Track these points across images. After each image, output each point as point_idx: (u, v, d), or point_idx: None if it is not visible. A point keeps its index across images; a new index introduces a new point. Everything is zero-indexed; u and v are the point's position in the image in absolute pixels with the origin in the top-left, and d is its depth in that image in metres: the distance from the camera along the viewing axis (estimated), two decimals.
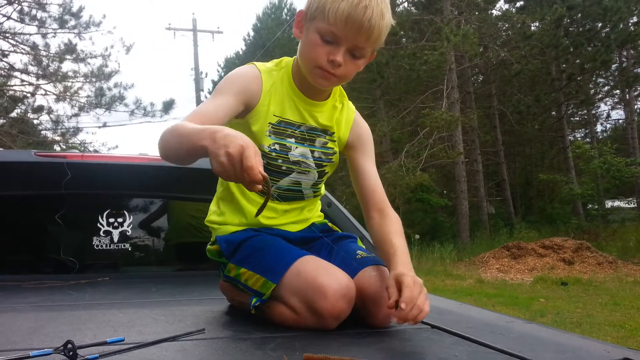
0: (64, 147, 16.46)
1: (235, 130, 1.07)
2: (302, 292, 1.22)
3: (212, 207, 1.57)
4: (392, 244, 1.33)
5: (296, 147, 1.44)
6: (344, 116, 1.49)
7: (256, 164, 1.02)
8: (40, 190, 2.38)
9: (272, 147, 1.41)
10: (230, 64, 34.19)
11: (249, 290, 1.37)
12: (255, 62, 1.44)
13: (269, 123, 1.40)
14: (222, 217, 1.50)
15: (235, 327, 1.35)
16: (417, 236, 13.28)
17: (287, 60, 1.45)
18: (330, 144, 1.48)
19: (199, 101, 22.11)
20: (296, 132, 1.43)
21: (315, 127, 1.45)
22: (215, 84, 36.56)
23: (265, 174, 1.04)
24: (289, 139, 1.43)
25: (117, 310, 1.54)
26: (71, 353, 0.96)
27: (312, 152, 1.46)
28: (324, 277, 1.21)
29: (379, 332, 1.26)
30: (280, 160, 1.42)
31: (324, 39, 1.28)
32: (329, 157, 1.49)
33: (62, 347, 0.98)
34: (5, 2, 14.37)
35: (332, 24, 1.25)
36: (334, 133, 1.48)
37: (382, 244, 1.37)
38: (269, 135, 1.40)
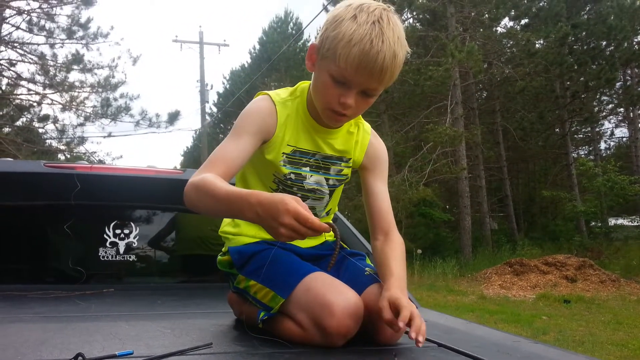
0: (69, 156, 16.53)
1: (266, 194, 1.12)
2: (310, 308, 1.22)
3: (227, 218, 1.57)
4: (390, 268, 1.33)
5: (311, 176, 1.45)
6: (359, 140, 1.49)
7: (310, 215, 1.06)
8: (49, 200, 2.39)
9: (288, 176, 1.42)
10: (236, 77, 34.35)
11: (257, 303, 1.37)
12: (269, 93, 1.43)
13: (283, 153, 1.40)
14: (237, 228, 1.52)
15: (243, 341, 1.35)
16: (419, 251, 13.24)
17: (303, 87, 1.44)
18: (345, 171, 1.50)
19: (204, 113, 22.22)
20: (311, 160, 1.44)
21: (331, 155, 1.46)
22: (220, 96, 36.65)
23: (322, 223, 1.08)
24: (304, 168, 1.44)
25: (124, 322, 1.54)
26: None
27: (327, 180, 1.48)
28: (332, 295, 1.22)
29: (385, 349, 1.26)
30: (295, 189, 1.44)
31: (336, 80, 1.26)
32: (342, 181, 1.52)
33: (72, 359, 0.99)
34: (15, 12, 14.52)
35: (342, 69, 1.23)
36: (350, 159, 1.49)
37: (381, 267, 1.37)
38: (284, 165, 1.41)
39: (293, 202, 1.07)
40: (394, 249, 1.40)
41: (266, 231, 1.12)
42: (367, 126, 1.53)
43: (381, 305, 1.20)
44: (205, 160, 1.33)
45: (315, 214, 1.51)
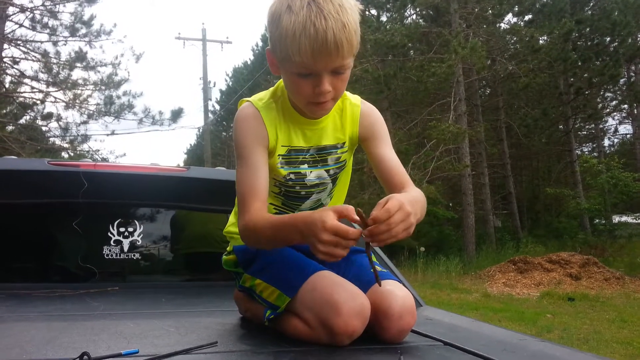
0: (72, 154, 16.56)
1: (306, 212, 1.20)
2: (316, 307, 1.22)
3: (232, 218, 1.57)
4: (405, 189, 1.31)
5: (311, 172, 1.44)
6: (348, 117, 1.45)
7: (349, 229, 1.09)
8: (53, 199, 2.39)
9: (288, 177, 1.42)
10: (239, 74, 34.38)
11: (263, 302, 1.37)
12: (251, 99, 1.41)
13: (279, 155, 1.39)
14: None
15: (248, 340, 1.35)
16: (422, 249, 13.23)
17: (283, 87, 1.41)
18: (342, 157, 1.47)
19: (207, 111, 22.23)
20: (307, 156, 1.43)
21: (325, 145, 1.43)
22: (222, 93, 36.56)
23: (356, 229, 1.11)
24: (302, 166, 1.42)
25: (129, 320, 1.54)
26: None
27: (327, 171, 1.46)
28: (339, 294, 1.21)
29: (391, 347, 1.26)
30: (298, 187, 1.44)
31: (301, 75, 1.24)
32: (342, 168, 1.50)
33: (78, 358, 0.98)
34: (18, 10, 14.54)
35: (301, 62, 1.20)
36: (344, 143, 1.46)
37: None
38: (282, 167, 1.40)
39: (331, 218, 1.10)
40: (416, 192, 1.32)
41: (313, 251, 1.15)
42: (355, 99, 1.47)
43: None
44: (236, 196, 1.37)
45: (320, 202, 1.50)
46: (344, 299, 1.20)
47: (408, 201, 1.14)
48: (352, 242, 1.10)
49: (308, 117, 1.40)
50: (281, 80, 1.41)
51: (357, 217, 1.11)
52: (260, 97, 1.43)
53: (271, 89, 1.44)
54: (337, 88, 1.29)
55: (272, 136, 1.38)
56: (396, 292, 1.30)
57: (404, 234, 1.12)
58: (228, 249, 1.55)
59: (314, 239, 1.11)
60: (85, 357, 0.98)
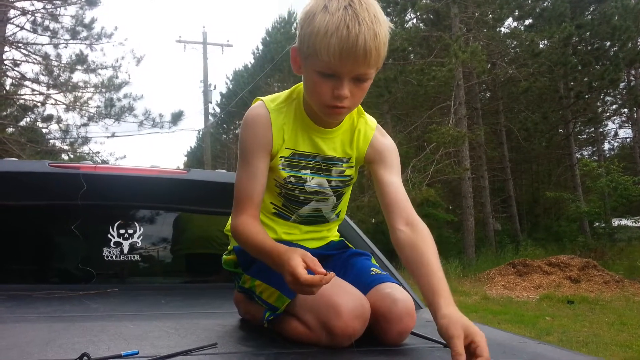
0: (72, 156, 16.55)
1: (282, 248, 1.22)
2: (316, 309, 1.22)
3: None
4: (433, 271, 1.22)
5: (312, 178, 1.43)
6: (361, 136, 1.44)
7: (304, 275, 1.12)
8: (54, 200, 2.39)
9: (288, 180, 1.41)
10: (239, 77, 34.40)
11: (263, 303, 1.37)
12: (264, 99, 1.42)
13: (282, 157, 1.39)
14: None
15: (248, 341, 1.35)
16: None
17: (299, 90, 1.41)
18: (347, 172, 1.46)
19: (207, 113, 22.24)
20: (311, 162, 1.42)
21: (332, 156, 1.42)
22: (223, 96, 36.57)
23: (319, 276, 1.13)
24: (304, 171, 1.42)
25: (129, 322, 1.54)
26: None
27: (329, 181, 1.45)
28: (339, 296, 1.21)
29: (391, 350, 1.26)
30: (297, 191, 1.43)
31: (324, 75, 1.24)
32: (346, 183, 1.48)
33: (78, 359, 0.98)
34: (19, 12, 14.56)
35: (327, 62, 1.20)
36: (350, 159, 1.45)
37: (419, 267, 1.25)
38: (283, 169, 1.40)
39: (294, 262, 1.14)
40: (428, 244, 1.29)
41: None
42: (371, 121, 1.47)
43: (453, 334, 1.07)
44: (234, 197, 1.40)
45: (323, 216, 1.50)
46: (344, 300, 1.20)
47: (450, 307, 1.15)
48: (310, 290, 1.14)
49: (320, 124, 1.40)
50: (299, 84, 1.41)
51: (320, 269, 1.14)
52: (274, 98, 1.42)
53: (287, 90, 1.44)
54: (355, 96, 1.28)
55: (278, 140, 1.38)
56: (396, 294, 1.30)
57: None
58: (228, 248, 1.55)
59: (283, 274, 1.18)
60: (85, 357, 0.98)
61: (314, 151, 1.41)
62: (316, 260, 1.16)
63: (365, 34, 1.17)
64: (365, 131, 1.45)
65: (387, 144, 1.47)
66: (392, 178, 1.42)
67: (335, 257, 1.47)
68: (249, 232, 1.33)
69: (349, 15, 1.18)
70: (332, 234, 1.59)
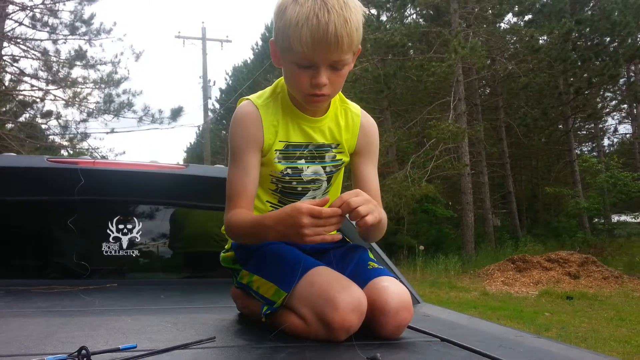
0: (72, 152, 16.55)
1: (277, 211, 1.26)
2: (313, 302, 1.22)
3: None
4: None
5: (308, 167, 1.45)
6: (349, 124, 1.48)
7: (315, 207, 1.16)
8: (52, 196, 2.39)
9: (285, 172, 1.43)
10: (238, 73, 34.34)
11: (260, 298, 1.38)
12: (251, 97, 1.44)
13: (276, 150, 1.41)
14: None
15: (246, 335, 1.35)
16: (421, 247, 13.24)
17: (282, 83, 1.44)
18: (338, 156, 1.49)
19: (206, 109, 22.23)
20: (305, 152, 1.44)
21: (322, 143, 1.45)
22: (222, 92, 36.49)
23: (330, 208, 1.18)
24: (299, 161, 1.44)
25: (127, 316, 1.55)
26: (85, 359, 0.97)
27: (324, 167, 1.48)
28: (336, 289, 1.22)
29: (388, 344, 1.26)
30: (294, 183, 1.45)
31: (300, 65, 1.28)
32: (338, 167, 1.51)
33: (76, 353, 0.99)
34: (18, 8, 14.53)
35: (301, 52, 1.24)
36: (339, 144, 1.48)
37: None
38: (279, 162, 1.42)
39: (303, 204, 1.17)
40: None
41: (294, 241, 1.22)
42: (355, 108, 1.51)
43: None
44: (226, 193, 1.41)
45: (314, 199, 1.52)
46: (341, 294, 1.21)
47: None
48: (331, 220, 1.17)
49: (307, 113, 1.42)
50: (280, 79, 1.43)
51: (327, 210, 1.17)
52: (260, 95, 1.45)
53: (271, 86, 1.47)
54: (334, 83, 1.32)
55: (270, 134, 1.40)
56: (392, 288, 1.30)
57: (371, 218, 1.19)
58: (226, 246, 1.56)
59: (296, 228, 1.17)
60: (84, 351, 0.98)
61: (306, 140, 1.44)
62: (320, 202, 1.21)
63: (335, 21, 1.21)
64: (353, 120, 1.49)
65: (372, 134, 1.53)
66: (370, 171, 1.51)
67: (332, 251, 1.48)
68: (242, 217, 1.34)
69: (318, 5, 1.21)
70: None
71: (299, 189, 1.46)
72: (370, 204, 1.21)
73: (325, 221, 1.16)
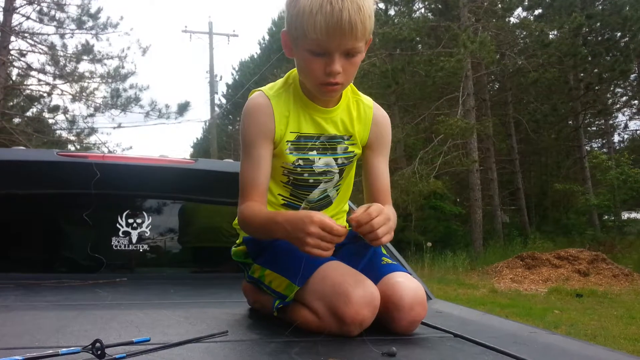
0: (79, 147, 16.62)
1: (291, 212, 1.30)
2: (326, 297, 1.22)
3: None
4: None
5: (319, 158, 1.44)
6: (362, 115, 1.47)
7: (334, 224, 1.18)
8: (62, 189, 2.40)
9: (297, 164, 1.42)
10: (245, 68, 34.34)
11: (272, 292, 1.37)
12: (262, 89, 1.44)
13: (287, 141, 1.40)
14: None
15: (258, 329, 1.35)
16: (429, 244, 13.21)
17: (294, 74, 1.44)
18: (350, 148, 1.48)
19: (213, 104, 22.25)
20: (316, 143, 1.43)
21: (335, 134, 1.44)
22: (229, 87, 36.43)
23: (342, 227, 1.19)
24: (310, 152, 1.43)
25: (138, 310, 1.55)
26: (99, 352, 0.96)
27: (336, 159, 1.47)
28: (349, 284, 1.21)
29: (401, 339, 1.25)
30: (306, 175, 1.44)
31: (314, 53, 1.28)
32: (350, 160, 1.50)
33: (90, 346, 0.98)
34: (25, 2, 14.58)
35: (315, 39, 1.24)
36: (351, 136, 1.47)
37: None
38: (291, 153, 1.41)
39: (318, 214, 1.19)
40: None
41: (295, 245, 1.22)
42: (367, 100, 1.51)
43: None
44: (240, 185, 1.42)
45: (328, 196, 1.51)
46: (354, 288, 1.20)
47: (388, 209, 1.27)
48: (337, 239, 1.18)
49: (319, 103, 1.41)
50: (293, 69, 1.43)
51: (338, 227, 1.18)
52: (271, 86, 1.45)
53: (282, 78, 1.46)
54: (347, 71, 1.31)
55: (281, 125, 1.39)
56: (407, 283, 1.29)
57: (387, 238, 1.22)
58: (238, 241, 1.55)
59: (302, 233, 1.18)
60: (98, 344, 0.98)
61: (318, 132, 1.43)
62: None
63: (349, 8, 1.21)
64: (365, 112, 1.49)
65: (385, 127, 1.52)
66: (381, 166, 1.51)
67: (345, 247, 1.47)
68: (255, 211, 1.35)
69: None
70: (342, 223, 1.58)
71: (311, 180, 1.45)
72: (390, 223, 1.23)
73: (332, 237, 1.17)
